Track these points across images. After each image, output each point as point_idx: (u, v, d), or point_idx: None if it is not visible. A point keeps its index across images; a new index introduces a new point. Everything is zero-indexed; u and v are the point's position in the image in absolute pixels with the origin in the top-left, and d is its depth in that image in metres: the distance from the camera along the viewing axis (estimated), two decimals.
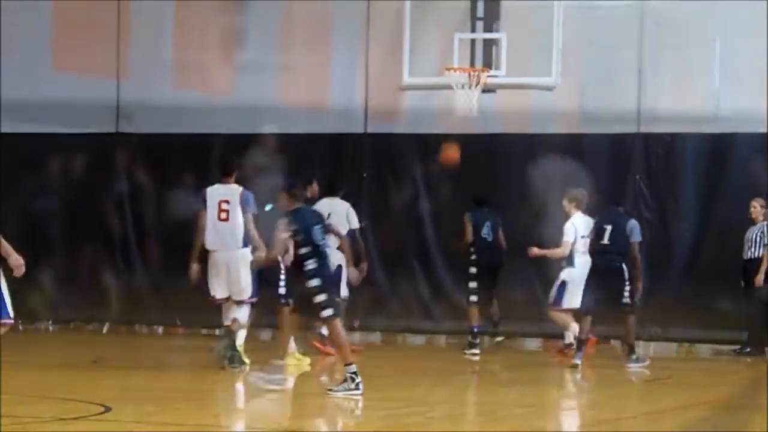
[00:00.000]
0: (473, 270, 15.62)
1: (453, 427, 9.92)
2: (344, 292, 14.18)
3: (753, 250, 15.94)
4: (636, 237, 14.30)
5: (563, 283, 15.00)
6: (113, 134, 18.49)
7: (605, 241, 14.50)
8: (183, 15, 18.64)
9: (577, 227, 14.90)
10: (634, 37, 16.98)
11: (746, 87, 16.73)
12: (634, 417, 10.73)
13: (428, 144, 17.51)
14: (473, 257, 15.60)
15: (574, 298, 14.78)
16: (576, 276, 14.80)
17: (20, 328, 15.58)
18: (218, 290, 13.06)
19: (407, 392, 11.98)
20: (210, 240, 12.98)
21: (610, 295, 14.22)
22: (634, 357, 14.19)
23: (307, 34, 18.30)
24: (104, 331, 15.99)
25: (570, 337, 14.96)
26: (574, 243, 14.90)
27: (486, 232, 15.59)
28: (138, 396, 11.04)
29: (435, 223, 17.49)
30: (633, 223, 14.43)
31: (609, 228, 14.54)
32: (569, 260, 14.96)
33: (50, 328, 16.00)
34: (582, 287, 14.49)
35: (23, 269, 9.51)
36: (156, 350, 16.09)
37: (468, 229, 15.62)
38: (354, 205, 15.17)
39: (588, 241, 14.62)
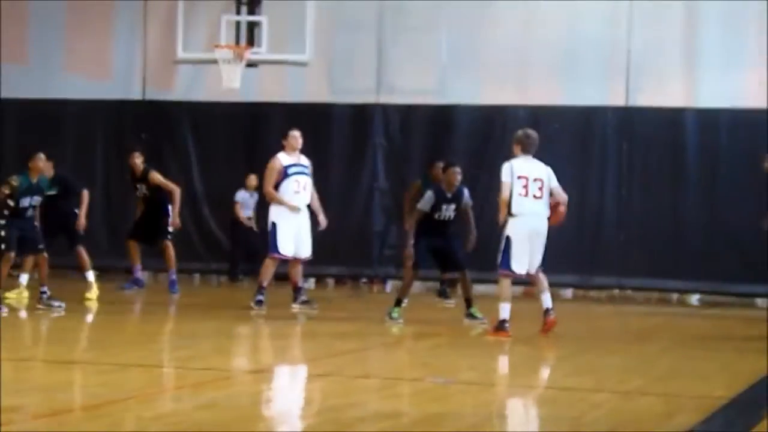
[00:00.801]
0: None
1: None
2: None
3: None
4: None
5: (507, 240, 12.79)
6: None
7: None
8: None
9: (515, 168, 12.78)
10: (375, 20, 19.55)
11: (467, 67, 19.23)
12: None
13: (200, 112, 19.91)
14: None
15: (519, 261, 12.81)
16: (518, 233, 12.74)
17: None
18: None
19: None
20: None
21: None
22: None
23: (92, 16, 20.40)
24: None
25: (505, 312, 12.73)
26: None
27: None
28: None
29: (206, 191, 19.72)
30: None
31: None
32: (509, 210, 12.74)
33: None
34: (529, 248, 12.76)
35: None
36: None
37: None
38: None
39: (542, 186, 12.77)
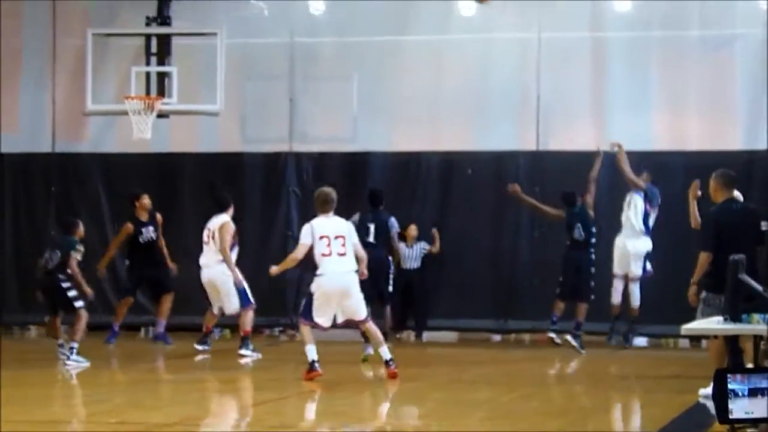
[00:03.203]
0: None
1: None
2: None
3: None
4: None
5: (310, 296, 13.12)
6: None
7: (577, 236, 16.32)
8: None
9: (316, 228, 13.01)
10: (286, 70, 19.61)
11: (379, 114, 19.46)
12: None
13: (111, 163, 19.94)
14: None
15: (322, 316, 13.05)
16: (322, 291, 13.01)
17: None
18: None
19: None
20: None
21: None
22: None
23: None
24: None
25: (312, 354, 13.01)
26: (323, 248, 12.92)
27: (371, 233, 15.97)
28: None
29: (115, 230, 19.10)
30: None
31: (579, 224, 16.50)
32: (315, 268, 13.09)
33: None
34: (335, 305, 12.95)
35: None
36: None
37: None
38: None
39: (344, 242, 12.96)
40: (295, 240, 19.42)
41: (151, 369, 15.32)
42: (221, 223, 16.08)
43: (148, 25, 18.94)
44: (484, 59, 19.42)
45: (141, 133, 18.18)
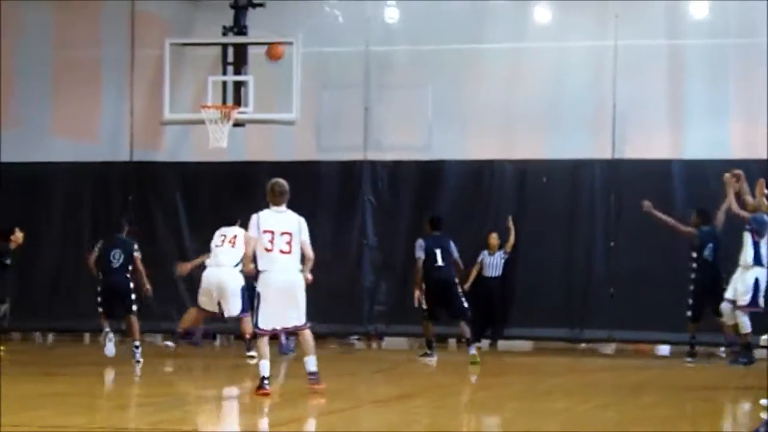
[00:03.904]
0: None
1: None
2: None
3: None
4: None
5: (258, 297, 12.26)
6: None
7: None
8: None
9: (262, 221, 12.18)
10: (361, 78, 19.63)
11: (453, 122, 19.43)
12: None
13: (188, 172, 20.09)
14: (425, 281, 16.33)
15: (266, 318, 12.24)
16: (266, 290, 12.18)
17: None
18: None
19: None
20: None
21: None
22: None
23: (79, 78, 20.46)
24: None
25: (264, 370, 12.15)
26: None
27: (438, 257, 16.20)
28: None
29: (197, 251, 18.94)
30: None
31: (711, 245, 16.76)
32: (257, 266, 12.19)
33: None
34: (280, 304, 12.11)
35: None
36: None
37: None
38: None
39: (291, 240, 12.09)
40: (370, 248, 19.77)
41: (225, 377, 15.40)
42: (243, 232, 16.09)
43: (224, 34, 19.13)
44: (560, 67, 19.37)
45: (217, 141, 18.38)
